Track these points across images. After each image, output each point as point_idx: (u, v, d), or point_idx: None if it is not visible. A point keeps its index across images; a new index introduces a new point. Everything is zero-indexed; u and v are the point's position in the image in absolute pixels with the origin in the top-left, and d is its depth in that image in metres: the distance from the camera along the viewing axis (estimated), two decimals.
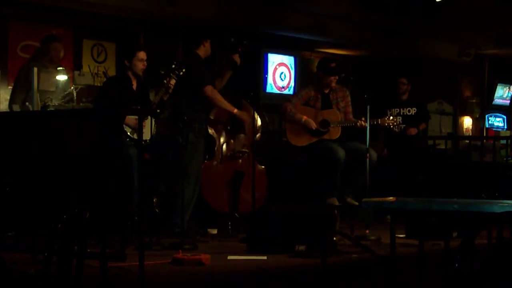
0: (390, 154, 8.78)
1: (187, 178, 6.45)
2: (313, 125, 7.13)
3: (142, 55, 6.61)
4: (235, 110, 6.88)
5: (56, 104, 7.06)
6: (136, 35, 8.85)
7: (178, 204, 6.24)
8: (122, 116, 6.31)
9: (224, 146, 7.12)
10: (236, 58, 6.88)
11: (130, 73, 6.63)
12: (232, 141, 7.16)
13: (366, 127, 6.68)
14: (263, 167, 7.28)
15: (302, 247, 5.52)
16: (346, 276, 5.05)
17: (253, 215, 6.25)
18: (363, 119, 6.82)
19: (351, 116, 7.29)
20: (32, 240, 4.80)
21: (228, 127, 7.11)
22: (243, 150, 7.15)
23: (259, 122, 7.19)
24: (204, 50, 6.76)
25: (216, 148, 7.07)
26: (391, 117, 7.07)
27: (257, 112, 7.03)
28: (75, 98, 7.23)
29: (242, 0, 8.90)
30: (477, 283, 4.03)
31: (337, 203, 6.89)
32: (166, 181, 6.62)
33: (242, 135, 7.15)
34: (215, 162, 7.06)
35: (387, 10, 9.71)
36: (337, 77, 7.21)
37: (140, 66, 6.60)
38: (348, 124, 7.09)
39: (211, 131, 7.05)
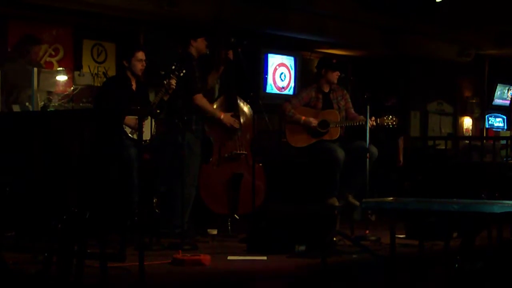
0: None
1: (185, 179, 6.44)
2: (313, 123, 7.12)
3: (140, 55, 6.60)
4: (222, 116, 6.86)
5: (56, 104, 7.06)
6: (136, 35, 8.84)
7: (177, 205, 6.24)
8: (121, 116, 6.30)
9: (222, 148, 7.10)
10: (230, 54, 6.86)
11: (129, 74, 6.62)
12: (229, 142, 7.13)
13: (374, 125, 6.74)
14: (260, 165, 7.26)
15: (302, 247, 5.52)
16: (346, 276, 5.05)
17: (253, 216, 6.24)
18: (373, 118, 6.82)
19: (353, 111, 7.29)
20: (32, 240, 4.80)
21: (225, 128, 7.07)
22: (241, 152, 7.13)
23: (247, 112, 7.12)
24: (194, 49, 6.72)
25: (213, 150, 7.04)
26: (390, 117, 7.06)
27: (257, 112, 7.02)
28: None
29: (242, 0, 8.90)
30: (477, 283, 4.03)
31: (337, 203, 6.89)
32: (166, 181, 6.61)
33: (239, 136, 7.12)
34: (212, 164, 7.04)
35: (387, 10, 9.72)
36: (339, 73, 7.22)
37: (139, 66, 6.58)
38: (356, 123, 7.07)
39: (208, 132, 7.01)
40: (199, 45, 6.73)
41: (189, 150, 6.51)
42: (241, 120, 7.05)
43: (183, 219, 6.08)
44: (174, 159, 6.35)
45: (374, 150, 6.86)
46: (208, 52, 6.84)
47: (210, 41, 6.85)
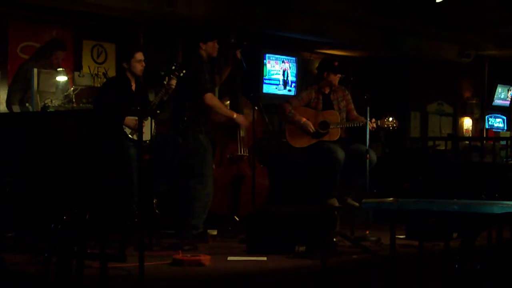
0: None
1: (203, 179, 6.44)
2: (311, 128, 7.13)
3: (139, 56, 6.59)
4: (235, 115, 6.83)
5: (56, 104, 7.05)
6: (136, 36, 8.84)
7: (196, 205, 6.29)
8: (121, 116, 6.30)
9: (223, 149, 7.09)
10: (238, 54, 6.85)
11: (129, 75, 6.62)
12: (231, 143, 7.13)
13: (374, 128, 6.75)
14: (264, 167, 7.25)
15: (302, 248, 5.52)
16: (346, 277, 5.05)
17: (253, 216, 6.24)
18: (373, 120, 6.82)
19: (355, 113, 7.29)
20: (32, 241, 4.80)
21: (227, 130, 7.06)
22: (243, 154, 7.12)
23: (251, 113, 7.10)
24: (204, 52, 6.70)
25: (215, 151, 7.03)
26: (390, 118, 7.05)
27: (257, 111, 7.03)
28: (74, 99, 7.22)
29: (242, 0, 8.90)
30: (477, 283, 4.03)
31: (337, 204, 6.89)
32: (166, 182, 6.61)
33: (241, 138, 7.12)
34: (214, 166, 7.02)
35: (387, 11, 9.71)
36: (340, 75, 7.23)
37: (139, 67, 6.58)
38: (356, 125, 7.07)
39: (210, 133, 7.00)
40: (209, 48, 6.67)
41: (205, 151, 6.50)
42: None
43: (197, 220, 6.11)
44: (174, 160, 6.37)
45: (374, 156, 6.86)
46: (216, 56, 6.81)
47: (221, 44, 6.81)
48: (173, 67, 6.40)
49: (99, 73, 8.58)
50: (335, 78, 7.21)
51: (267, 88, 10.24)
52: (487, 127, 13.36)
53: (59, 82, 7.36)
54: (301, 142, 7.21)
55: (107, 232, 4.41)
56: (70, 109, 7.06)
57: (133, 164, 6.24)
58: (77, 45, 8.60)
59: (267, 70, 10.25)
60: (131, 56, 6.57)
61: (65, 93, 7.28)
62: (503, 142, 11.18)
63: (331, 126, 7.13)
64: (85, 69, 8.41)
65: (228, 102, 7.18)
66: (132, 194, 6.18)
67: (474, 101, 13.22)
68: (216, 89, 8.20)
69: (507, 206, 4.33)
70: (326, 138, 7.15)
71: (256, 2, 9.00)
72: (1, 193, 4.62)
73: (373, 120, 6.84)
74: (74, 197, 4.37)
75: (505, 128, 13.65)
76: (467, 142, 11.54)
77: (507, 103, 13.63)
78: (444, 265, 4.57)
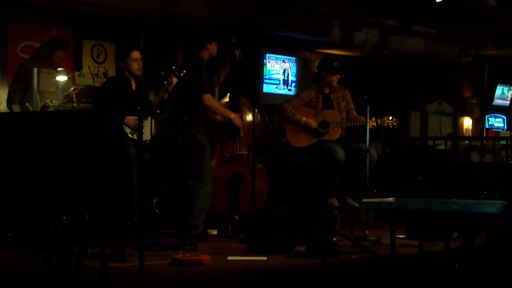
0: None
1: (202, 178, 6.44)
2: (313, 124, 7.12)
3: (135, 55, 6.57)
4: (233, 115, 6.84)
5: (56, 104, 7.05)
6: (136, 36, 8.84)
7: (196, 205, 6.29)
8: (121, 116, 6.30)
9: (223, 148, 7.09)
10: (236, 53, 6.85)
11: (128, 74, 6.62)
12: (230, 143, 7.13)
13: (374, 126, 6.75)
14: (261, 166, 7.25)
15: (302, 248, 5.52)
16: (346, 276, 5.05)
17: (253, 216, 6.24)
18: (373, 119, 6.83)
19: (355, 113, 7.29)
20: (32, 240, 4.80)
21: (226, 129, 7.06)
22: (242, 152, 7.12)
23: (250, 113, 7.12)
24: (208, 53, 6.70)
25: (214, 151, 7.03)
26: (390, 117, 7.05)
27: (257, 112, 7.02)
28: (74, 99, 7.23)
29: (242, 0, 8.90)
30: (477, 283, 4.03)
31: (337, 203, 6.89)
32: (166, 182, 6.62)
33: (240, 137, 7.12)
34: (213, 165, 7.02)
35: (387, 10, 9.72)
36: (339, 76, 7.23)
37: (135, 66, 6.57)
38: (356, 124, 7.07)
39: (209, 133, 7.00)
40: (212, 48, 6.69)
41: (203, 150, 6.50)
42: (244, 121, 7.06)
43: (196, 220, 6.10)
44: (175, 159, 6.37)
45: (374, 153, 6.87)
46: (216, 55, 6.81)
47: (221, 44, 6.82)
48: (173, 67, 6.40)
49: (99, 73, 8.59)
50: (334, 79, 7.20)
51: (267, 88, 10.24)
52: (487, 126, 13.36)
53: (59, 82, 7.36)
54: (301, 142, 7.20)
55: (107, 232, 4.41)
56: (70, 109, 7.06)
57: (133, 164, 6.24)
58: (77, 45, 8.61)
59: (267, 70, 10.26)
60: (126, 56, 6.56)
61: (65, 93, 7.28)
62: (503, 142, 11.18)
63: (331, 126, 7.13)
64: (85, 69, 8.41)
65: (227, 100, 7.17)
66: (132, 194, 6.18)
67: (474, 101, 13.22)
68: (216, 90, 8.22)
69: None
70: (326, 137, 7.15)
71: (256, 2, 9.00)
72: (1, 193, 4.63)
73: (373, 118, 6.85)
74: (74, 197, 4.37)
75: (505, 127, 13.65)
76: (467, 142, 11.55)
77: (507, 102, 13.63)
78: (444, 265, 4.58)
